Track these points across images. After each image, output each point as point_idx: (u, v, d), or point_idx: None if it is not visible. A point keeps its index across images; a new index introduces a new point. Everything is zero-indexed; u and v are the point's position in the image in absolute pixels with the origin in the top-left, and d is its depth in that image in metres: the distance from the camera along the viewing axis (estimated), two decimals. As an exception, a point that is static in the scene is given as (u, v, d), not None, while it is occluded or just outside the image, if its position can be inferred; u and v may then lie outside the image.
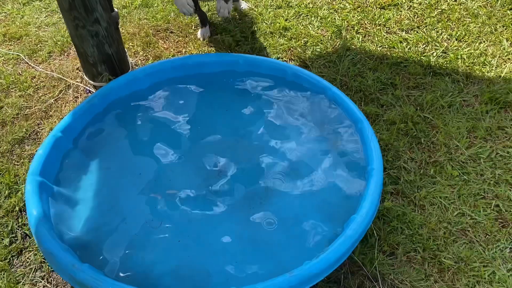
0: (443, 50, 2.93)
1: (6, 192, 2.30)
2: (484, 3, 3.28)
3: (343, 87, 2.72)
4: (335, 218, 1.92)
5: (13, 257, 2.05)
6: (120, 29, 3.08)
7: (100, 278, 1.62)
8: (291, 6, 3.40)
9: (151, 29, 3.25)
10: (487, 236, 1.98)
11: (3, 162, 2.46)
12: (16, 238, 2.12)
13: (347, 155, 2.18)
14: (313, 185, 2.08)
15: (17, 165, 2.45)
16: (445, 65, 2.82)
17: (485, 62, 2.82)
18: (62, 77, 2.93)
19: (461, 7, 3.27)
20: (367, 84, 2.72)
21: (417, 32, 3.11)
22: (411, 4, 3.34)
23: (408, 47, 2.99)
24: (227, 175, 2.14)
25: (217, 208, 2.03)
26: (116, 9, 3.08)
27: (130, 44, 3.13)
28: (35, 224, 1.84)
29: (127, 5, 3.56)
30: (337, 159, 2.17)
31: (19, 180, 2.36)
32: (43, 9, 3.67)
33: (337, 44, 3.06)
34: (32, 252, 2.06)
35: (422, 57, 2.90)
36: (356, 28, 3.16)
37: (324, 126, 2.33)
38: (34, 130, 2.65)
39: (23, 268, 2.01)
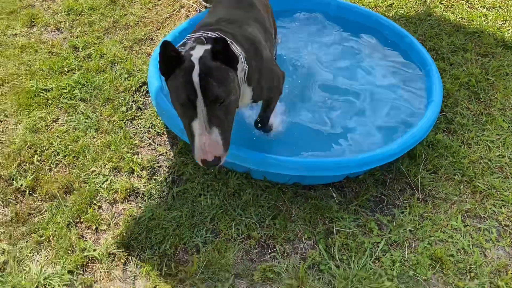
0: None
1: (126, 75, 2.86)
2: None
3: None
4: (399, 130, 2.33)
5: (128, 121, 2.60)
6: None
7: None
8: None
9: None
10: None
11: (125, 54, 3.02)
12: (131, 108, 2.66)
13: (414, 89, 2.56)
14: (386, 107, 2.50)
15: (135, 58, 3.00)
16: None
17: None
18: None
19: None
20: (440, 45, 3.03)
21: (498, 10, 3.35)
22: (497, -14, 3.57)
23: (486, 21, 3.24)
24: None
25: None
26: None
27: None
28: (155, 92, 2.35)
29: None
30: (407, 91, 2.56)
31: (136, 68, 2.90)
32: None
33: (420, 10, 3.36)
34: (143, 119, 2.60)
35: (497, 32, 3.15)
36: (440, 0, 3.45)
37: (399, 66, 2.71)
38: (150, 35, 3.20)
39: (134, 129, 2.55)
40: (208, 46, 1.60)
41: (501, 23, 3.23)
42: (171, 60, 1.54)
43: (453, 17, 3.29)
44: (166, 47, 1.49)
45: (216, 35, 1.70)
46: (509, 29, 3.16)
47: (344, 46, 2.92)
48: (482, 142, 2.42)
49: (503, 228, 2.06)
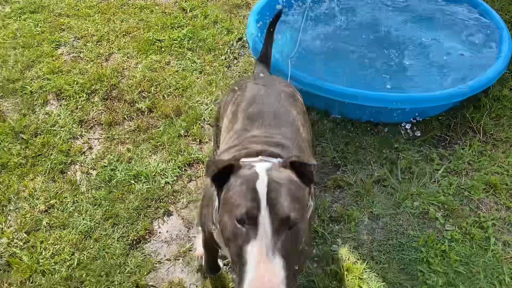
0: None
1: (225, 32, 3.35)
2: None
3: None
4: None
5: (226, 67, 3.07)
6: None
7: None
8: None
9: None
10: None
11: (225, 16, 3.52)
12: (228, 57, 3.14)
13: (488, 47, 2.83)
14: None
15: (234, 18, 3.49)
16: None
17: None
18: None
19: None
20: (515, 18, 3.22)
21: None
22: None
23: None
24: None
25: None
26: None
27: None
28: (252, 35, 2.80)
29: None
30: (481, 49, 2.84)
31: (234, 27, 3.39)
32: None
33: (499, -11, 3.55)
34: (238, 66, 3.07)
35: None
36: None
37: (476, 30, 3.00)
38: (247, 1, 3.68)
39: (231, 73, 3.02)
40: (275, 160, 1.28)
41: None
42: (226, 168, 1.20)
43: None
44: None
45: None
46: None
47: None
48: (547, 99, 2.62)
49: (558, 168, 2.27)
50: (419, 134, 2.48)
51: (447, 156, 2.35)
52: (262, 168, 1.19)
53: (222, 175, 1.20)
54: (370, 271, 1.91)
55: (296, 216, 1.11)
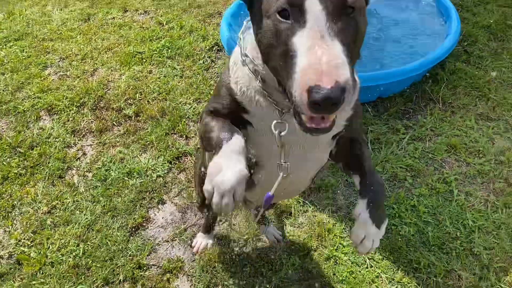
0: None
1: (201, 39, 3.59)
2: None
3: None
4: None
5: (204, 70, 3.29)
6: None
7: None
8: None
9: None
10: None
11: (200, 25, 3.76)
12: (206, 61, 3.37)
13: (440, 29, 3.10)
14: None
15: (208, 27, 3.73)
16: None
17: None
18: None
19: None
20: (466, 0, 3.50)
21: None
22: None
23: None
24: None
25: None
26: None
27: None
28: (226, 37, 3.03)
29: None
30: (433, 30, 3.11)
31: (208, 34, 3.63)
32: None
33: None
34: (215, 68, 3.29)
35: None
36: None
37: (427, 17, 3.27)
38: (218, 11, 3.93)
39: (209, 75, 3.24)
40: None
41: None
42: None
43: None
44: None
45: None
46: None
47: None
48: (497, 68, 2.88)
49: (510, 125, 2.51)
50: (384, 110, 2.72)
51: (411, 126, 2.59)
52: None
53: None
54: (349, 229, 2.12)
55: (354, 1, 0.89)
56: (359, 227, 1.18)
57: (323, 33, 0.86)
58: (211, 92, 3.03)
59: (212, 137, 1.14)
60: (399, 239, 2.03)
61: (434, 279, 1.90)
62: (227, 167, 1.03)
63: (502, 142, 2.40)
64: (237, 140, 1.09)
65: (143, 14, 4.09)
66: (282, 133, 1.11)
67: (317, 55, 0.84)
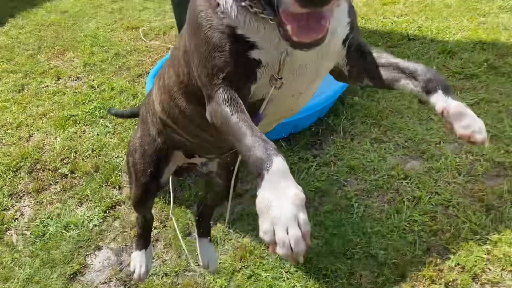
0: (418, 26, 4.21)
1: (131, 98, 3.90)
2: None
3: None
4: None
5: (135, 125, 3.57)
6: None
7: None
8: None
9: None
10: (416, 115, 3.18)
11: (129, 85, 4.08)
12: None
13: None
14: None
15: (137, 86, 4.05)
16: (419, 34, 4.09)
17: (447, 32, 4.05)
18: (165, 44, 4.60)
19: (441, 0, 4.54)
20: (360, 45, 4.06)
21: (405, 17, 4.42)
22: (405, 1, 4.67)
23: (395, 25, 4.30)
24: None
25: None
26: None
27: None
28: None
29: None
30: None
31: (137, 92, 3.94)
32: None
33: (346, 25, 4.44)
34: (145, 122, 3.58)
35: (403, 31, 4.19)
36: (361, 16, 4.54)
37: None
38: (147, 71, 4.28)
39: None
40: None
41: (406, 25, 4.28)
42: None
43: (370, 26, 4.36)
44: None
45: None
46: (413, 28, 4.21)
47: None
48: (387, 99, 3.36)
49: (398, 145, 2.94)
50: (295, 143, 3.09)
51: (318, 154, 2.96)
52: None
53: None
54: (267, 250, 2.39)
55: None
56: (456, 116, 1.01)
57: None
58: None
59: (246, 147, 0.98)
60: (310, 251, 2.33)
61: (340, 281, 2.20)
62: (278, 198, 0.87)
63: (392, 160, 2.81)
64: (279, 160, 0.93)
65: (75, 80, 4.36)
66: (285, 59, 1.03)
67: None
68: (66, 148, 3.37)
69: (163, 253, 2.50)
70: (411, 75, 1.09)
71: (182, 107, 1.39)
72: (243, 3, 1.02)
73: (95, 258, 2.53)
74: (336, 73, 1.28)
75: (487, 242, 2.26)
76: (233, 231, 2.55)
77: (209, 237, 2.15)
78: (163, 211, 2.74)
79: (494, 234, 2.28)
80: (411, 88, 1.11)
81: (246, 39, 1.05)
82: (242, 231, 2.54)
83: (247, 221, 2.59)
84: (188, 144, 1.58)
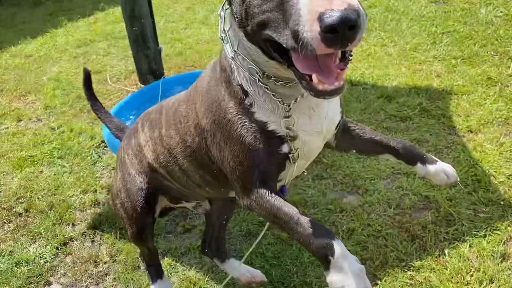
0: (361, 73, 4.59)
1: (89, 139, 4.04)
2: (398, 48, 4.97)
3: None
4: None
5: (91, 165, 3.71)
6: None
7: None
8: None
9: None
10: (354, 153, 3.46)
11: (88, 127, 4.24)
12: (93, 157, 3.80)
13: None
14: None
15: (96, 128, 4.21)
16: (361, 80, 4.46)
17: (386, 78, 4.44)
18: (124, 87, 4.81)
19: (383, 50, 4.97)
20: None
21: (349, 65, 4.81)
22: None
23: (341, 72, 4.67)
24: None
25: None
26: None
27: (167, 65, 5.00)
28: (106, 133, 3.53)
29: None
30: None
31: (96, 134, 4.10)
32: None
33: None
34: (102, 162, 3.73)
35: (347, 77, 4.56)
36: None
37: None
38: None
39: (96, 169, 3.66)
40: None
41: (351, 72, 4.66)
42: None
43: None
44: None
45: None
46: (356, 74, 4.58)
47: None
48: (330, 139, 3.64)
49: (337, 181, 3.19)
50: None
51: (264, 191, 3.17)
52: None
53: None
54: (212, 280, 2.54)
55: None
56: (435, 175, 1.39)
57: None
58: (97, 185, 3.43)
59: (305, 236, 1.12)
60: (251, 281, 2.49)
61: (277, 308, 2.35)
62: (348, 278, 1.06)
63: (331, 195, 3.05)
64: (338, 244, 1.10)
65: (36, 122, 4.49)
66: (293, 128, 1.17)
67: None
68: (22, 187, 3.46)
69: (112, 286, 2.60)
70: (393, 151, 1.42)
71: (184, 167, 1.47)
72: (257, 81, 1.14)
73: (44, 294, 2.60)
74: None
75: (411, 268, 2.48)
76: (180, 264, 2.68)
77: (230, 258, 2.30)
78: (113, 246, 2.85)
79: (417, 261, 2.50)
80: (395, 160, 1.46)
81: (277, 135, 1.18)
82: (188, 264, 2.67)
83: (194, 254, 2.73)
84: (176, 190, 1.65)
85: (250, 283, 2.26)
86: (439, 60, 4.65)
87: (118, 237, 2.90)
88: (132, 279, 2.61)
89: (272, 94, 1.14)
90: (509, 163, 3.11)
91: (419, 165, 1.42)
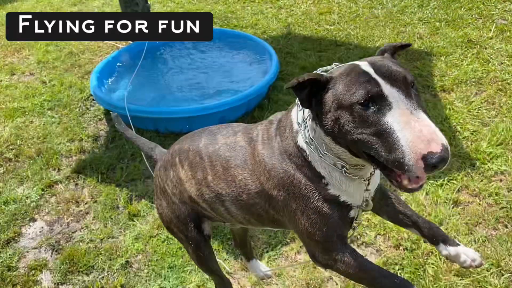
0: (346, 34, 4.66)
1: (79, 92, 4.19)
2: (385, 11, 5.02)
3: (277, 49, 4.49)
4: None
5: (79, 116, 3.87)
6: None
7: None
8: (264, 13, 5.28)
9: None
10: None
11: (78, 81, 4.38)
12: (82, 109, 3.96)
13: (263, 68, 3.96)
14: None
15: (86, 82, 4.35)
16: (345, 40, 4.54)
17: (370, 39, 4.51)
18: (114, 44, 4.92)
19: (370, 11, 5.02)
20: (292, 48, 4.48)
21: (336, 26, 4.87)
22: (340, 11, 5.14)
23: (327, 32, 4.74)
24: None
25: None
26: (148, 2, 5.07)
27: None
28: (93, 85, 3.68)
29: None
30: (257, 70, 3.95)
31: (85, 87, 4.24)
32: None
33: (284, 31, 4.86)
34: (90, 114, 3.88)
35: (332, 37, 4.63)
36: (298, 24, 4.97)
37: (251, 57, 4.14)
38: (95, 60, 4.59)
39: (84, 120, 3.82)
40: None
41: (336, 32, 4.73)
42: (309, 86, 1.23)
43: (305, 32, 4.79)
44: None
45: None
46: (342, 35, 4.65)
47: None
48: (308, 95, 3.76)
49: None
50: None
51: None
52: (353, 62, 1.21)
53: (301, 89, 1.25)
54: None
55: (410, 76, 1.14)
56: (456, 257, 1.49)
57: (410, 110, 1.06)
58: (83, 134, 3.60)
59: (388, 286, 1.33)
60: None
61: None
62: None
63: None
64: None
65: (29, 76, 4.63)
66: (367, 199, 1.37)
67: (417, 128, 1.03)
68: (13, 135, 3.64)
69: (91, 223, 2.80)
70: (419, 229, 1.54)
71: (230, 210, 1.56)
72: (344, 171, 1.30)
73: (29, 228, 2.81)
74: None
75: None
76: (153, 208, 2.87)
77: (254, 258, 2.33)
78: (95, 188, 3.04)
79: (374, 206, 2.67)
80: (420, 236, 1.57)
81: (346, 204, 1.35)
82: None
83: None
84: (215, 218, 1.71)
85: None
86: (424, 23, 4.70)
87: (100, 180, 3.09)
88: (110, 217, 2.81)
89: (352, 176, 1.31)
90: (475, 120, 3.23)
91: (441, 245, 1.52)
